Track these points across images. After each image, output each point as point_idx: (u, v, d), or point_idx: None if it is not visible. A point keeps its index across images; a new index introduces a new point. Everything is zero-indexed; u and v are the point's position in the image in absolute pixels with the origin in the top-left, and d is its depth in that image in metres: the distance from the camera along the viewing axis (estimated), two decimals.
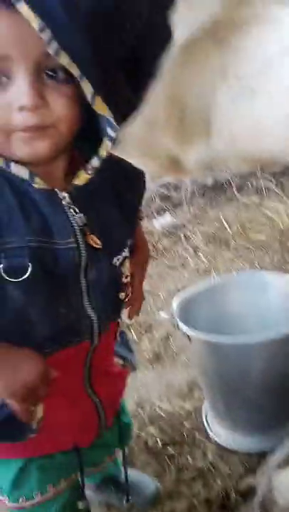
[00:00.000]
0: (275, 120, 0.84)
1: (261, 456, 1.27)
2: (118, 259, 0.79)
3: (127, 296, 0.84)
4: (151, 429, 1.49)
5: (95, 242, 0.73)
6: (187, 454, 1.37)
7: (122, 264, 0.80)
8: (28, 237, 0.66)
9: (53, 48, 0.58)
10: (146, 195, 3.23)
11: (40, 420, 0.79)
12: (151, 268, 2.57)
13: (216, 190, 3.25)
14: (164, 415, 1.54)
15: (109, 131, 0.66)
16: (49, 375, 0.74)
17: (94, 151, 0.69)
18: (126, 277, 0.82)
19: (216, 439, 1.36)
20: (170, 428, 1.49)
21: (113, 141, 0.67)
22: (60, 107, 0.63)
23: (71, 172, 0.72)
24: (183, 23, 0.74)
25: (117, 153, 0.90)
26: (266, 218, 2.86)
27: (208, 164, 1.09)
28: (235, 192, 3.15)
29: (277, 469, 1.07)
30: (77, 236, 0.71)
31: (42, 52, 0.59)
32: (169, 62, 0.80)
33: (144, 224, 3.14)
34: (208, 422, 1.41)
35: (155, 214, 3.21)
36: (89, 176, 0.70)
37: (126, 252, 0.80)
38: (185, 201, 3.22)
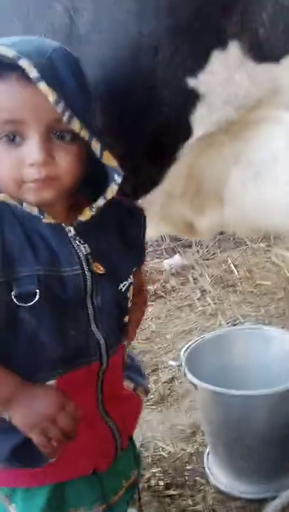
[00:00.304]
0: (280, 202, 0.96)
1: (260, 503, 1.32)
2: (124, 285, 0.85)
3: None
4: (154, 470, 1.55)
5: (99, 268, 0.81)
6: (188, 496, 1.43)
7: (127, 289, 0.86)
8: (36, 266, 0.75)
9: (66, 116, 0.71)
10: (157, 235, 3.30)
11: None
12: (160, 308, 2.66)
13: (225, 234, 3.37)
14: (166, 457, 1.60)
15: (116, 177, 0.78)
16: (69, 407, 0.78)
17: (96, 192, 0.81)
18: (131, 302, 0.89)
19: (216, 484, 1.41)
20: (172, 470, 1.55)
21: (118, 185, 0.79)
22: (65, 163, 0.74)
23: (74, 208, 0.82)
24: (202, 121, 0.87)
25: None
26: (273, 265, 2.96)
27: (218, 230, 1.21)
28: (244, 237, 3.27)
29: None
30: (83, 264, 0.79)
31: (53, 118, 0.71)
32: (188, 149, 0.93)
33: (154, 263, 3.26)
34: (210, 466, 1.47)
35: (165, 254, 3.33)
36: (92, 213, 0.81)
37: (131, 279, 0.89)
38: (194, 243, 3.34)
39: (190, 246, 3.33)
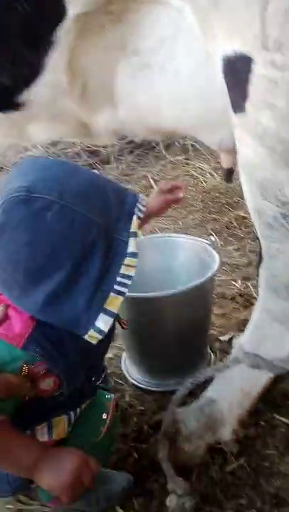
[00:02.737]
0: (170, 96, 0.91)
1: (171, 394, 1.42)
2: None
3: None
4: None
5: None
6: None
7: None
8: None
9: None
10: (74, 150, 3.17)
11: None
12: None
13: (145, 148, 3.29)
14: None
15: None
16: (90, 463, 0.85)
17: None
18: None
19: (133, 382, 1.49)
20: None
21: None
22: None
23: None
24: None
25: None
26: (191, 178, 2.97)
27: (116, 131, 1.15)
28: (163, 150, 3.22)
29: (179, 405, 1.22)
30: None
31: None
32: (65, 33, 0.84)
33: None
34: (127, 367, 1.54)
35: None
36: None
37: None
38: (113, 158, 3.25)
39: (108, 162, 3.24)
